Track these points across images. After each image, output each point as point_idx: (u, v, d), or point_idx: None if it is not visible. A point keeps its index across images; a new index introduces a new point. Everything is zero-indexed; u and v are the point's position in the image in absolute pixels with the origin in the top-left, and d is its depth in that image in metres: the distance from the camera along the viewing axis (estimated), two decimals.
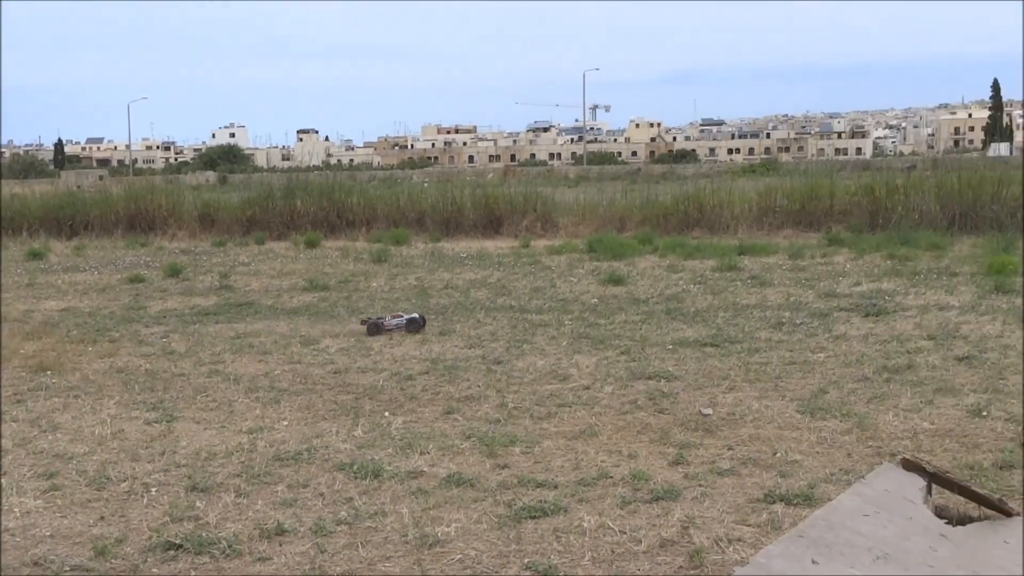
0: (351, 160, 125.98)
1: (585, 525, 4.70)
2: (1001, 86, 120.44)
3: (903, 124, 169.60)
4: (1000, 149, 61.69)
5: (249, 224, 22.85)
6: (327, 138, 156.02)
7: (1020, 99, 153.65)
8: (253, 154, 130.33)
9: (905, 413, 6.53)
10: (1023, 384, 7.15)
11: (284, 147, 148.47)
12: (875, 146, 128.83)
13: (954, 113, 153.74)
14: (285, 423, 6.69)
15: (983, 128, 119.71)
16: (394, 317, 10.08)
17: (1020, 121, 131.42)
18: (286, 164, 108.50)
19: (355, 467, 5.61)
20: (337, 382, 7.87)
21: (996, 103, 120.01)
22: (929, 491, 4.40)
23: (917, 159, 45.47)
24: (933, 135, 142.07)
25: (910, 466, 4.46)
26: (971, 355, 8.15)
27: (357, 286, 13.80)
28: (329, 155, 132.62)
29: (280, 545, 4.59)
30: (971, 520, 4.37)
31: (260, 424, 6.65)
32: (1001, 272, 12.53)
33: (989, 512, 4.44)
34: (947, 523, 4.14)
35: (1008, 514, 4.39)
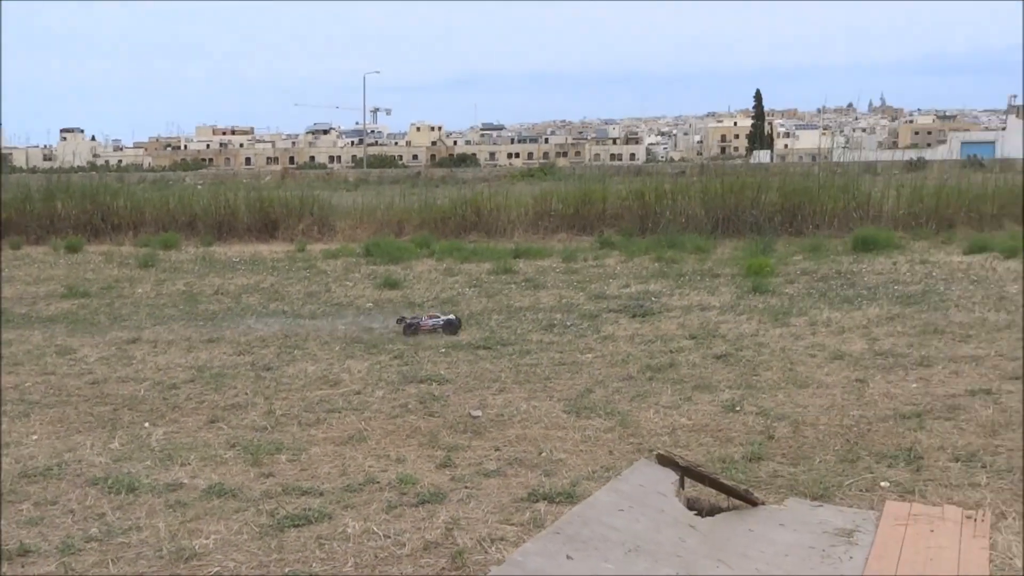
0: (119, 161, 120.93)
1: (349, 531, 4.65)
2: (763, 96, 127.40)
3: (674, 131, 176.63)
4: (761, 156, 65.07)
5: (3, 228, 21.55)
6: (93, 137, 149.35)
7: (780, 109, 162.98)
8: (11, 154, 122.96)
9: (665, 410, 6.77)
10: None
11: (46, 146, 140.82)
12: (648, 152, 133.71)
13: (721, 121, 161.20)
14: (35, 437, 6.32)
15: (747, 136, 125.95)
16: (431, 318, 9.95)
17: (781, 130, 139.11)
18: (48, 164, 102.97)
19: (109, 481, 5.35)
20: (94, 393, 7.51)
21: (758, 112, 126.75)
22: (682, 484, 4.57)
23: (686, 165, 47.31)
24: (702, 142, 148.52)
25: (664, 461, 4.63)
26: (728, 353, 8.53)
27: (121, 292, 13.23)
28: (96, 155, 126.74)
29: (23, 566, 4.32)
30: (720, 510, 4.57)
31: (7, 440, 6.26)
32: (758, 273, 13.19)
33: (737, 502, 4.66)
34: (697, 514, 4.32)
35: (754, 503, 4.61)
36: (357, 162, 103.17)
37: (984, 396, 6.90)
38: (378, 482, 5.36)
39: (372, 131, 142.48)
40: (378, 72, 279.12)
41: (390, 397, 7.24)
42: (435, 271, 14.94)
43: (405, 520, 4.79)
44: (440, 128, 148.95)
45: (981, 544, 4.25)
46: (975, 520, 4.51)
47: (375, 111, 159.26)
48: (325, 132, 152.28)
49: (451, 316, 10.03)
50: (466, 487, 5.26)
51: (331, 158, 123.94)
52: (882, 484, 5.20)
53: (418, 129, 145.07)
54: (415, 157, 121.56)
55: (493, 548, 4.43)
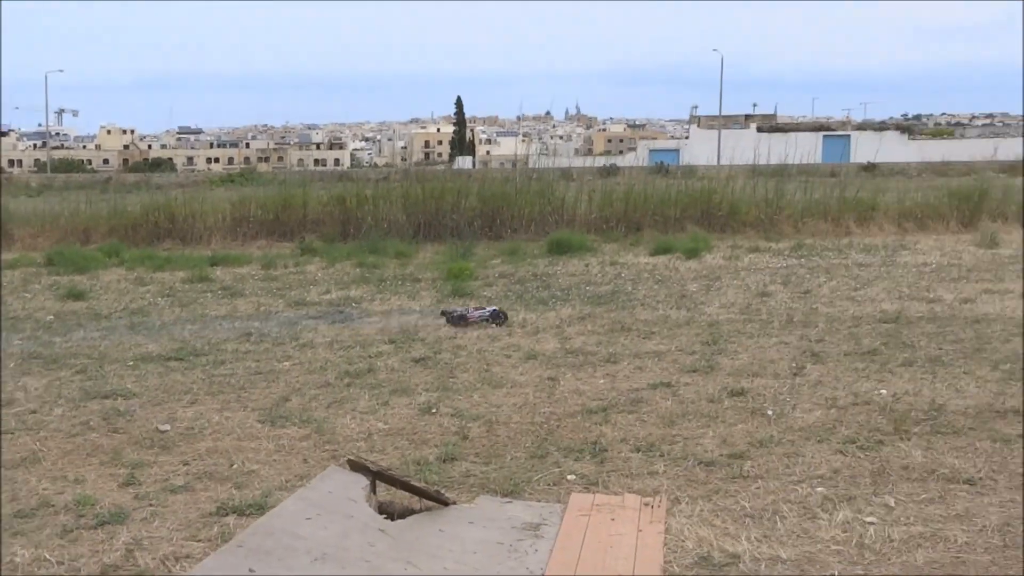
0: None
1: (18, 560, 4.33)
2: (464, 103, 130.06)
3: (378, 137, 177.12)
4: (464, 162, 66.36)
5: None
6: None
7: (482, 116, 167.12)
8: None
9: (362, 415, 6.74)
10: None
11: None
12: (353, 157, 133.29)
13: (424, 127, 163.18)
14: None
15: (450, 142, 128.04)
16: (476, 310, 10.38)
17: (482, 136, 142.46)
18: None
19: None
20: None
21: (460, 119, 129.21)
22: (373, 489, 4.55)
23: (390, 170, 47.46)
24: (406, 148, 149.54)
25: (356, 467, 4.59)
26: (427, 356, 8.60)
27: None
28: None
29: None
30: (413, 513, 4.59)
31: None
32: (458, 277, 13.40)
33: (429, 503, 4.69)
34: (388, 518, 4.31)
35: (445, 503, 4.66)
36: (41, 166, 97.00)
37: (664, 389, 7.30)
38: (53, 505, 5.03)
39: (57, 133, 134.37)
40: (61, 71, 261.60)
41: (70, 415, 6.82)
42: (125, 281, 14.23)
43: (82, 544, 4.52)
44: (133, 131, 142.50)
45: (657, 529, 4.48)
46: (652, 507, 4.75)
47: (60, 112, 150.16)
48: (4, 134, 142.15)
49: (495, 308, 10.46)
50: (151, 505, 5.02)
51: (11, 162, 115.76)
52: (569, 477, 5.39)
53: (108, 132, 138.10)
54: (106, 161, 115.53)
55: (177, 567, 4.25)
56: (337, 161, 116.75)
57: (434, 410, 6.83)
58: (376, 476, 4.55)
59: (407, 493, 4.75)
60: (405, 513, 4.53)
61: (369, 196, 20.74)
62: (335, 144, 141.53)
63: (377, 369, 8.15)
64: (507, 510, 4.66)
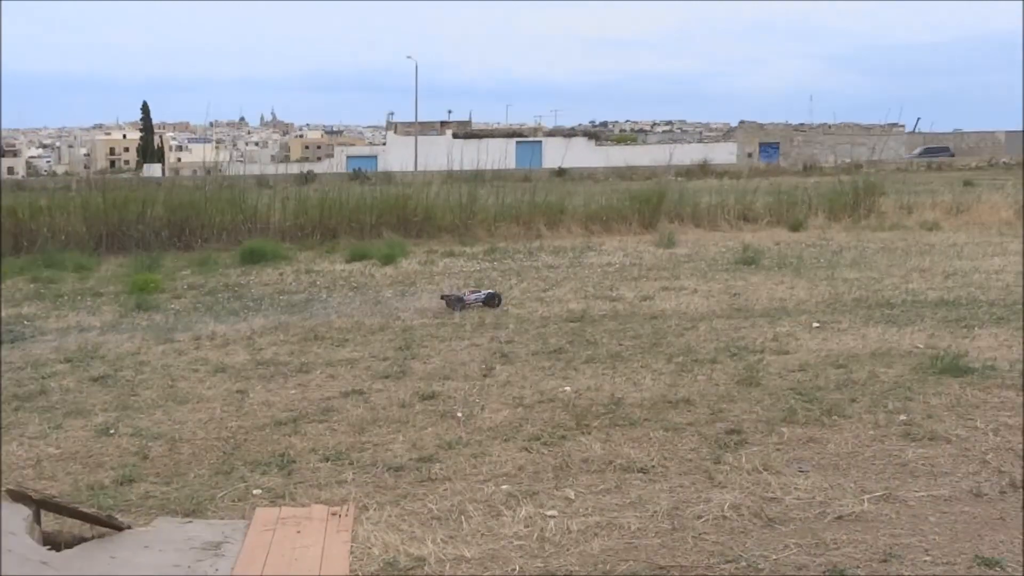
0: None
1: None
2: (152, 108, 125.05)
3: (58, 143, 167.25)
4: (153, 170, 63.79)
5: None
6: None
7: (172, 122, 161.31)
8: None
9: (31, 441, 6.30)
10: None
11: None
12: (29, 165, 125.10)
13: (109, 134, 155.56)
14: None
15: (137, 149, 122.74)
16: (472, 292, 11.09)
17: (173, 143, 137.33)
18: None
19: None
20: None
21: (147, 125, 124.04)
22: (37, 519, 4.25)
23: (72, 179, 44.92)
24: (89, 155, 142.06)
25: (16, 496, 4.28)
26: (107, 374, 8.16)
27: None
28: None
29: None
30: (84, 541, 4.32)
31: None
32: (144, 290, 12.80)
33: (103, 530, 4.43)
34: (53, 549, 4.04)
35: (119, 528, 4.42)
36: None
37: (356, 396, 7.26)
38: None
39: None
40: None
41: None
42: None
43: None
44: None
45: (343, 538, 4.43)
46: (340, 516, 4.70)
47: None
48: None
49: (491, 291, 11.17)
50: None
51: None
52: (255, 492, 5.24)
53: None
54: None
55: None
56: (11, 169, 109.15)
57: (112, 431, 6.47)
58: (40, 505, 4.26)
59: (77, 520, 4.47)
60: (74, 542, 4.27)
61: (44, 207, 19.49)
62: (8, 151, 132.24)
63: (50, 391, 7.64)
64: (187, 530, 4.48)
